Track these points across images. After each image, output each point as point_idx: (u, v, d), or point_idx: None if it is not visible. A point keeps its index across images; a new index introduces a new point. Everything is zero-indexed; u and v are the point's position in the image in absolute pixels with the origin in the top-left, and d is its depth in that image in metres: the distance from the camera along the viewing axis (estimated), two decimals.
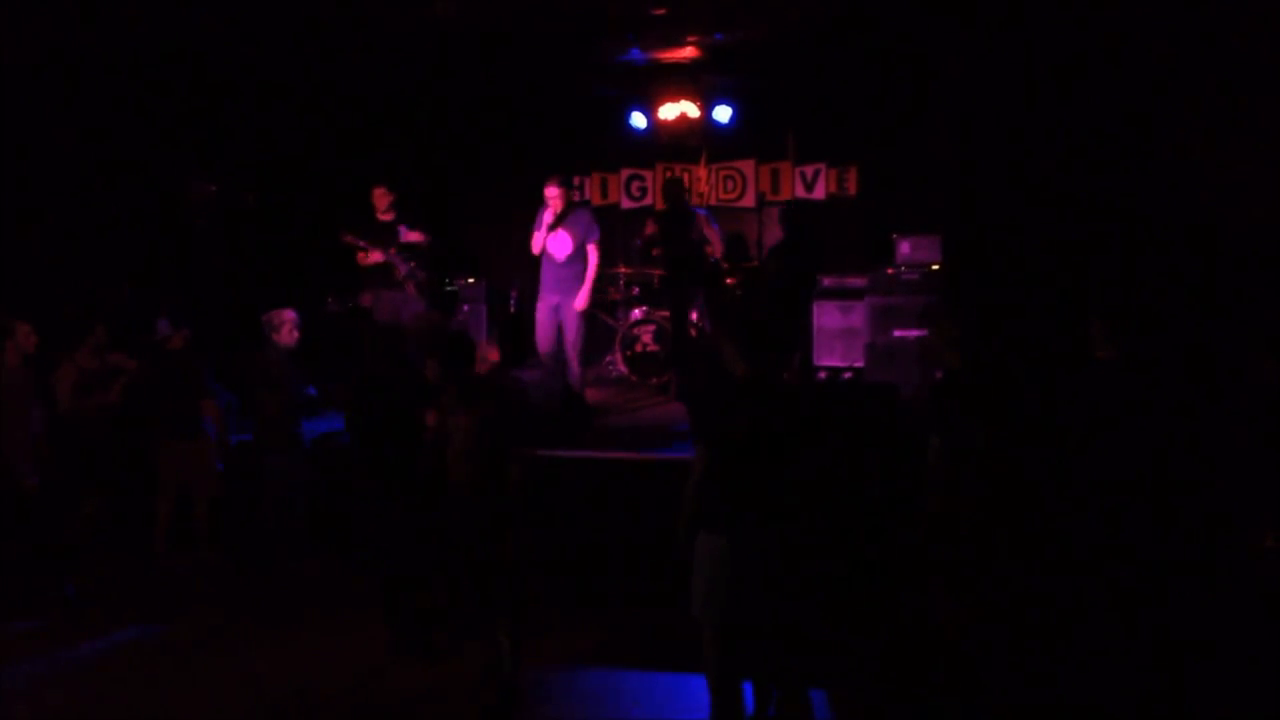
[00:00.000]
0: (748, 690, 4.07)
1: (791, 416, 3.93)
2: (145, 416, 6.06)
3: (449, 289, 9.25)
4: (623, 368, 8.54)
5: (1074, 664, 4.26)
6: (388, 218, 7.88)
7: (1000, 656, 3.99)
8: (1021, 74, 7.71)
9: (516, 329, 9.24)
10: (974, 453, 3.94)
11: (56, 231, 7.58)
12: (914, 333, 7.50)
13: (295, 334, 6.13)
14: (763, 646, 4.01)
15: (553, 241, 7.26)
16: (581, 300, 7.28)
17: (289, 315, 6.12)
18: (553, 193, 7.15)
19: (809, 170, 9.69)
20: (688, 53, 8.72)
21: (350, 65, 8.57)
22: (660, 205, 8.53)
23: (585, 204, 7.42)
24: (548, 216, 7.17)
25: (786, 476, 3.87)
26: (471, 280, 9.25)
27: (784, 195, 9.73)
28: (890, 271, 7.95)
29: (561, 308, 7.24)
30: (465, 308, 9.24)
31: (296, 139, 8.92)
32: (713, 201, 9.77)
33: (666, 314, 8.52)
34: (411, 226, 7.97)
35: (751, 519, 3.83)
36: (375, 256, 7.78)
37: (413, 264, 7.90)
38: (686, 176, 9.74)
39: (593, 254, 7.30)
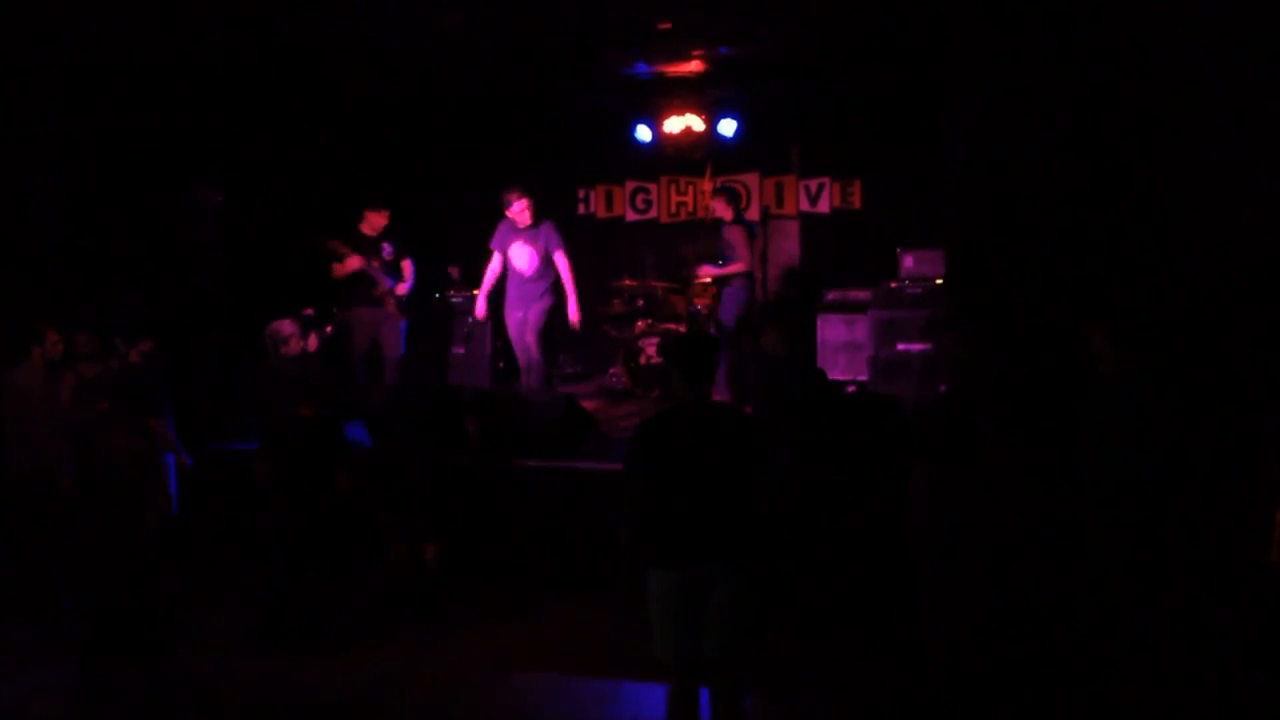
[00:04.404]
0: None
1: (727, 438, 3.69)
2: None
3: (442, 302, 9.26)
4: (626, 380, 8.53)
5: (1072, 682, 4.22)
6: (374, 233, 7.83)
7: (993, 676, 3.96)
8: (1027, 87, 7.71)
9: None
10: (966, 477, 3.90)
11: (59, 237, 7.59)
12: (917, 347, 7.48)
13: (299, 343, 6.17)
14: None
15: (517, 256, 7.31)
16: (574, 313, 7.39)
17: (290, 326, 6.13)
18: (521, 204, 7.20)
19: (813, 184, 9.69)
20: (693, 66, 8.74)
21: (356, 76, 8.60)
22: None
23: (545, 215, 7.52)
24: (510, 229, 7.32)
25: (734, 502, 3.64)
26: (476, 292, 9.24)
27: (789, 209, 9.74)
28: (894, 285, 7.94)
29: (526, 321, 7.30)
30: (470, 320, 9.21)
31: (301, 149, 8.94)
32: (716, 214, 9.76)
33: (670, 326, 8.52)
34: (401, 252, 7.95)
35: (701, 551, 3.61)
36: (352, 264, 7.59)
37: (391, 281, 7.84)
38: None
39: (563, 263, 7.36)
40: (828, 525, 5.45)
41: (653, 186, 10.22)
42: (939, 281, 7.83)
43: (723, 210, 7.90)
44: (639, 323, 8.69)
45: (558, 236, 7.40)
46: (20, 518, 5.77)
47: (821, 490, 5.46)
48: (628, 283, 9.00)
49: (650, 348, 8.43)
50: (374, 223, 7.81)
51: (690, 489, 3.61)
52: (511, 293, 7.48)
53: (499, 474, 5.99)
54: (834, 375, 8.29)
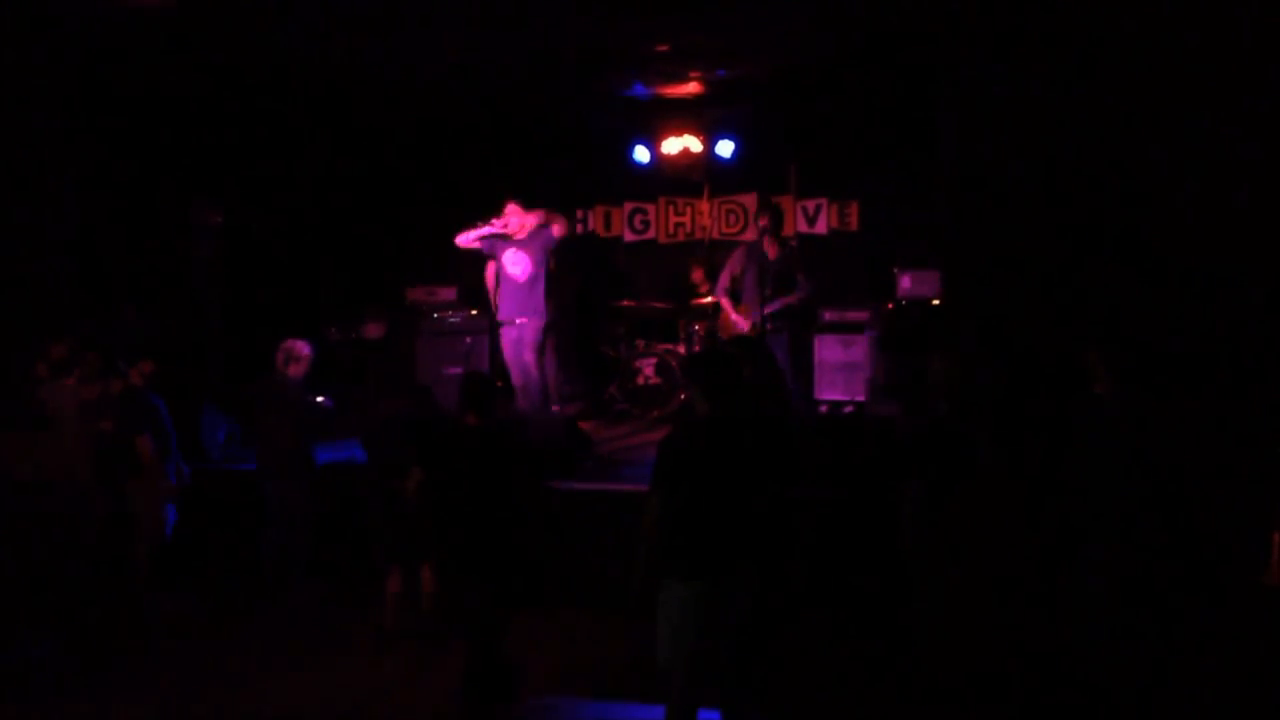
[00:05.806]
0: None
1: (752, 451, 3.77)
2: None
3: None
4: (623, 401, 8.55)
5: (1065, 698, 4.22)
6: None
7: (989, 691, 3.96)
8: (1023, 110, 7.76)
9: None
10: (960, 495, 3.91)
11: (60, 256, 7.61)
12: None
13: (307, 368, 6.15)
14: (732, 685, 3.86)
15: (511, 263, 7.28)
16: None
17: (306, 349, 6.12)
18: (514, 211, 7.16)
19: (811, 205, 9.74)
20: (691, 88, 8.80)
21: (356, 97, 8.66)
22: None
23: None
24: (500, 237, 7.26)
25: (753, 515, 3.72)
26: (474, 312, 9.27)
27: (786, 230, 9.76)
28: (891, 306, 7.97)
29: (523, 340, 7.24)
30: (468, 340, 9.23)
31: (301, 169, 8.99)
32: (715, 235, 9.83)
33: (668, 346, 8.54)
34: None
35: (723, 563, 3.67)
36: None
37: None
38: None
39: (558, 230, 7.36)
40: (810, 544, 5.46)
41: (651, 207, 10.27)
42: (935, 302, 7.86)
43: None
44: (636, 343, 8.71)
45: (553, 241, 7.35)
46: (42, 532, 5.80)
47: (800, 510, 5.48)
48: (625, 303, 9.02)
49: (647, 368, 8.44)
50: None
51: (717, 501, 3.67)
52: (505, 302, 7.38)
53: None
54: (832, 396, 8.31)
